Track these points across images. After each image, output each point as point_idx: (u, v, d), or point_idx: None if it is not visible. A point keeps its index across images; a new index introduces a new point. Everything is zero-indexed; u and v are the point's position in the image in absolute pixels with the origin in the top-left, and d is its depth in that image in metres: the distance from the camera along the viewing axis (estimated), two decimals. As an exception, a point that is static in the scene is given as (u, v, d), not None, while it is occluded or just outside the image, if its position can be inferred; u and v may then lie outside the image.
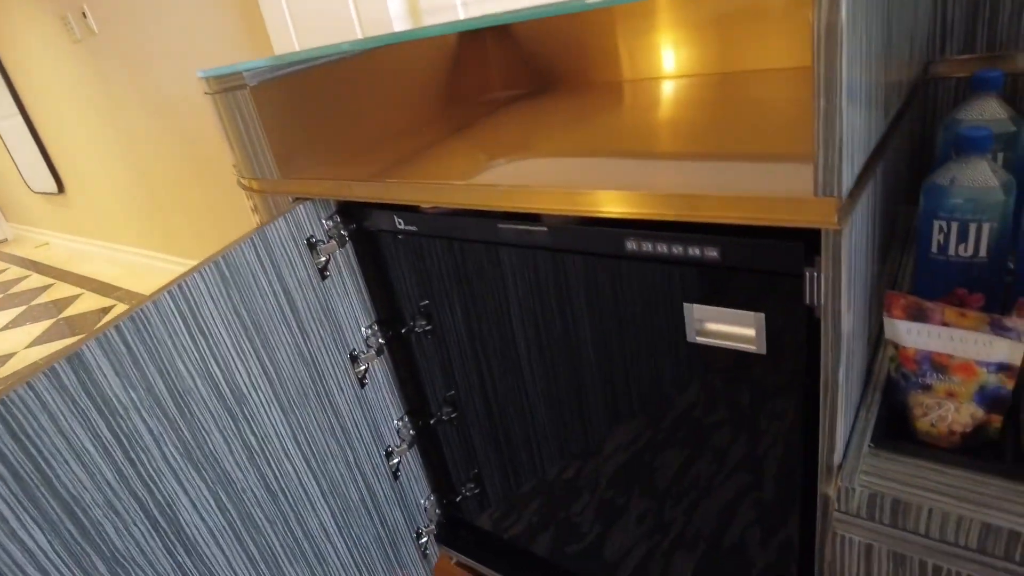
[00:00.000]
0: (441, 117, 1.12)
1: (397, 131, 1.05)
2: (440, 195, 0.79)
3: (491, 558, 1.20)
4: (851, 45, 0.46)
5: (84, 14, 2.62)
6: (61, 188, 3.94)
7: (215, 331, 0.76)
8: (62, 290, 3.60)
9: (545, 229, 0.75)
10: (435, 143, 0.99)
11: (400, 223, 0.89)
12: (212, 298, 0.75)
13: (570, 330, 0.82)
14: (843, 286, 0.54)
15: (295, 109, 0.93)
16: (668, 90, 1.06)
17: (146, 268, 3.48)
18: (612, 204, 0.62)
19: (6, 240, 5.02)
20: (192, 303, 0.73)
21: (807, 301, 0.58)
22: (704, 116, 0.87)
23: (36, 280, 3.90)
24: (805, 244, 0.57)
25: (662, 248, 0.66)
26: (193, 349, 0.73)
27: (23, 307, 3.46)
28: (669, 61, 1.14)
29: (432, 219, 0.87)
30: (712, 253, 0.63)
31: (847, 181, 0.49)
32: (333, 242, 0.94)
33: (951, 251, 0.70)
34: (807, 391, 0.65)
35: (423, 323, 1.04)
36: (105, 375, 0.64)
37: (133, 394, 0.67)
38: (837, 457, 0.63)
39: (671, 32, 1.11)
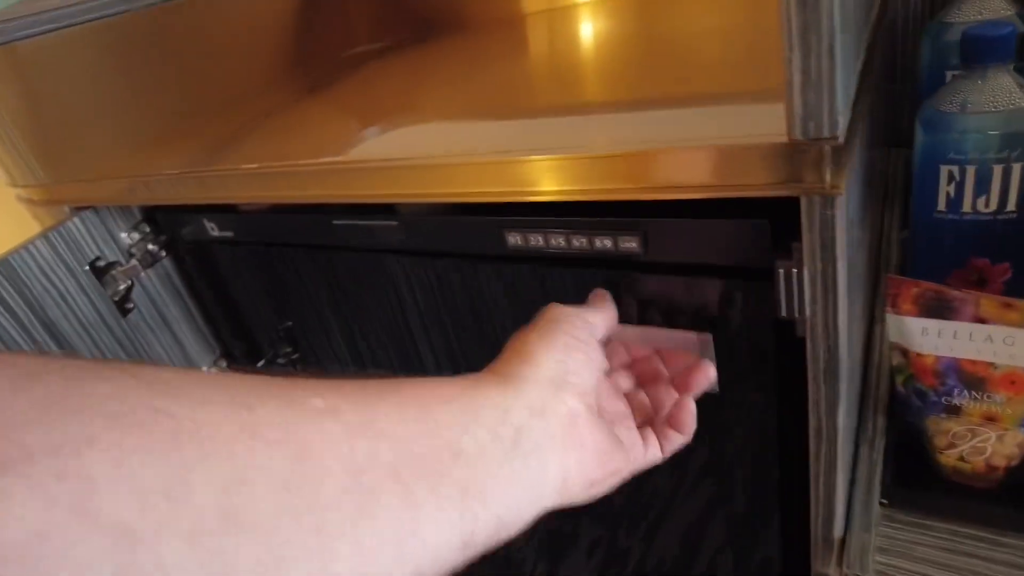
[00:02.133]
0: (285, 78, 0.87)
1: (223, 101, 0.79)
2: (259, 187, 0.55)
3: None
4: None
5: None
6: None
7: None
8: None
9: (395, 224, 0.52)
10: (274, 112, 0.74)
11: (213, 229, 0.65)
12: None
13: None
14: (840, 286, 0.33)
15: (57, 81, 0.67)
16: (582, 21, 0.83)
17: None
18: (462, 183, 0.39)
19: None
20: None
21: (783, 312, 0.36)
22: (627, 54, 0.65)
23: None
24: (771, 223, 0.36)
25: (557, 241, 0.44)
26: None
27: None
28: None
29: (250, 220, 0.63)
30: (630, 244, 0.41)
31: (843, 111, 0.28)
32: (135, 263, 0.69)
33: (965, 207, 0.50)
34: (784, 435, 0.44)
35: (288, 350, 0.80)
36: None
37: None
38: (837, 530, 0.43)
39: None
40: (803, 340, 0.36)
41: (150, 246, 0.70)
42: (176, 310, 0.74)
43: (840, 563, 0.43)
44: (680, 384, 0.41)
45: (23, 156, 0.66)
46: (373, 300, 0.64)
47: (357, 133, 0.58)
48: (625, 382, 0.43)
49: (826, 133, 0.27)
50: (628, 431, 0.38)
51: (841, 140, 0.27)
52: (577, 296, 0.44)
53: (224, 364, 0.81)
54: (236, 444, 0.21)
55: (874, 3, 0.47)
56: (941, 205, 0.50)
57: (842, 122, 0.27)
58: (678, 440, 0.39)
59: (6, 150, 0.69)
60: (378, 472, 0.24)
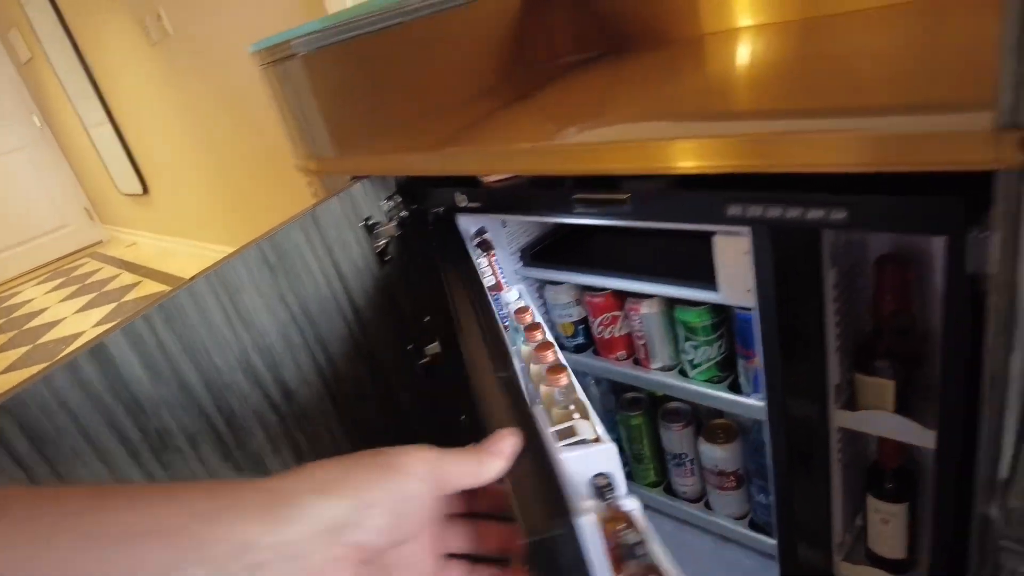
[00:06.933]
0: (504, 85, 1.02)
1: (454, 102, 0.96)
2: (508, 162, 0.70)
3: None
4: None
5: (159, 16, 2.67)
6: (145, 189, 4.08)
7: (258, 320, 0.69)
8: (149, 287, 3.73)
9: (627, 196, 0.64)
10: (495, 112, 0.90)
11: (463, 200, 0.80)
12: (255, 284, 0.68)
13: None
14: (1021, 248, 0.41)
15: (348, 79, 0.85)
16: (760, 41, 0.93)
17: (225, 265, 3.55)
18: (698, 157, 0.51)
19: (101, 242, 5.26)
20: (231, 289, 0.66)
21: (969, 269, 0.45)
22: (810, 67, 0.74)
23: (126, 278, 4.06)
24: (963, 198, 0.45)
25: (774, 212, 0.54)
26: (233, 341, 0.66)
27: (114, 304, 3.60)
28: (756, 7, 0.99)
29: (498, 194, 0.77)
30: (838, 215, 0.51)
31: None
32: (393, 224, 0.86)
33: None
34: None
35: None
36: (133, 369, 0.58)
37: (164, 390, 0.60)
38: (1002, 471, 0.50)
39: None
40: (982, 295, 0.44)
41: (402, 212, 0.87)
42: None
43: (1004, 500, 0.50)
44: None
45: (319, 135, 0.85)
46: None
47: (564, 130, 0.71)
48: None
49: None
50: None
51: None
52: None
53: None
54: None
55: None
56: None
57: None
58: None
59: (299, 130, 0.89)
60: None
